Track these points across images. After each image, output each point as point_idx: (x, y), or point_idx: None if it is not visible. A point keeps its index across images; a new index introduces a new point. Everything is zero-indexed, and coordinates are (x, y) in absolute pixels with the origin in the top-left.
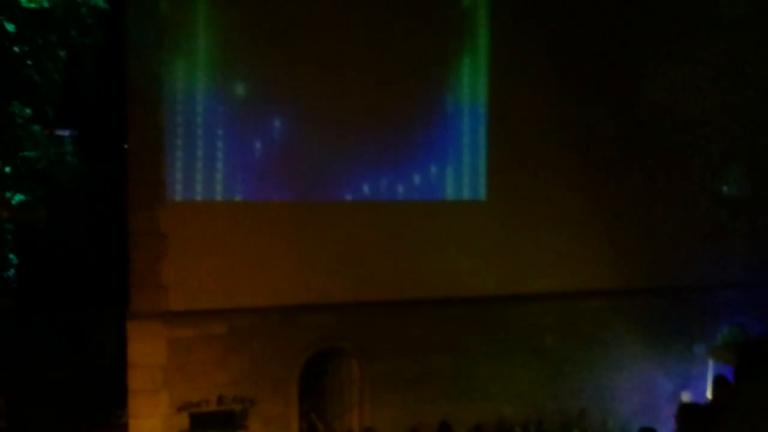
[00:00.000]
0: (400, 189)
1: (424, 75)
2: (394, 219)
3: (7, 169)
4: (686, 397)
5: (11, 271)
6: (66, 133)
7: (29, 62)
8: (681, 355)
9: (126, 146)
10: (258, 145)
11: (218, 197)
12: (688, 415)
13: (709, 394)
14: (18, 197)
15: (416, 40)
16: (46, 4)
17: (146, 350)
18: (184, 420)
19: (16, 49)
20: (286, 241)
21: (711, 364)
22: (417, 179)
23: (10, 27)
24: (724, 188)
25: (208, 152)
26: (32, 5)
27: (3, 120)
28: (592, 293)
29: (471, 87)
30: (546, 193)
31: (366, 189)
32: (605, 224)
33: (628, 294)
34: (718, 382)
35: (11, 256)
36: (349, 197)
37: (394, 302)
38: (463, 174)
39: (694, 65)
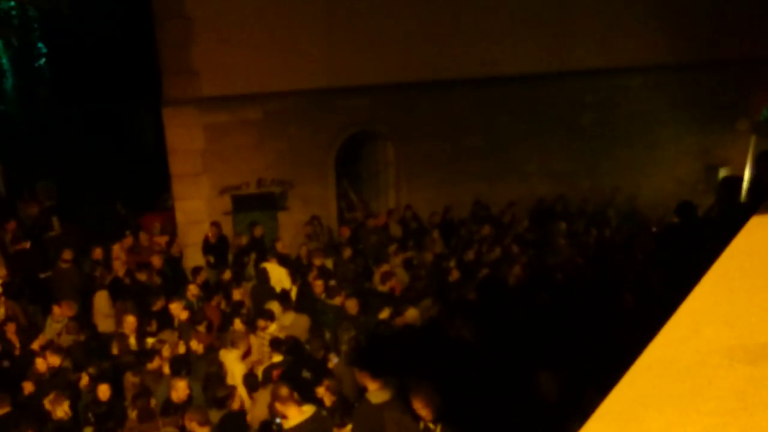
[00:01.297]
0: None
1: None
2: None
3: None
4: (726, 171)
5: (42, 60)
6: None
7: None
8: (723, 131)
9: None
10: None
11: None
12: (729, 187)
13: (748, 170)
14: None
15: None
16: None
17: (183, 136)
18: (226, 202)
19: None
20: (317, 20)
21: (753, 139)
22: None
23: None
24: None
25: None
26: None
27: None
28: (635, 69)
29: None
30: None
31: None
32: None
33: (673, 69)
34: (762, 157)
35: (40, 44)
36: None
37: (429, 83)
38: None
39: None
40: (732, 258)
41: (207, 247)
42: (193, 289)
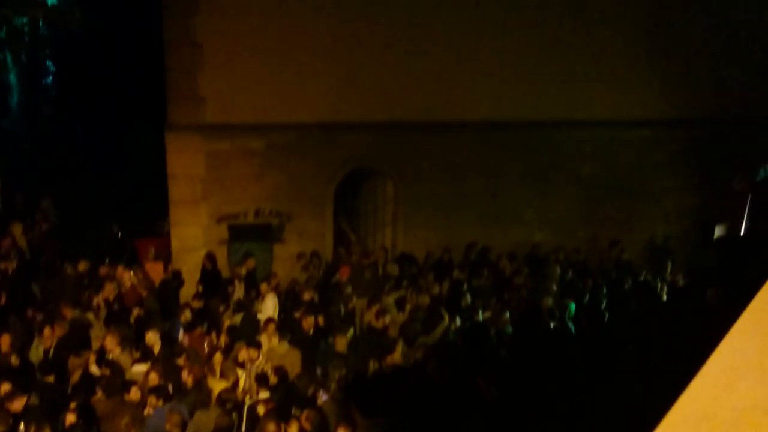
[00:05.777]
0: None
1: None
2: (435, 38)
3: None
4: (722, 230)
5: (49, 79)
6: None
7: None
8: (719, 189)
9: None
10: None
11: (254, 6)
12: (726, 245)
13: (744, 228)
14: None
15: None
16: None
17: (185, 162)
18: (222, 230)
19: None
20: (324, 57)
21: (750, 198)
22: None
23: None
24: None
25: None
26: None
27: None
28: (635, 123)
29: None
30: (594, 18)
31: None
32: (651, 53)
33: (671, 124)
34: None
35: (48, 63)
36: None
37: (432, 124)
38: None
39: None
40: (762, 309)
41: (203, 278)
42: (186, 315)
